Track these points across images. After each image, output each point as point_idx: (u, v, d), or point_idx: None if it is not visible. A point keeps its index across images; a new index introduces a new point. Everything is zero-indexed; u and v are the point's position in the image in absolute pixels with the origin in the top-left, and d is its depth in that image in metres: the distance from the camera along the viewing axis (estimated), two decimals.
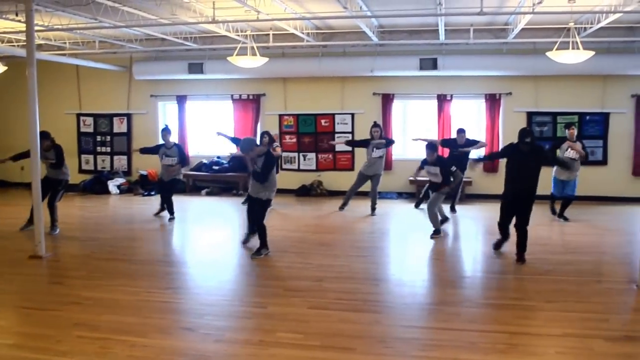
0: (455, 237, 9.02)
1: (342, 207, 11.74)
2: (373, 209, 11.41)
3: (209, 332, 5.21)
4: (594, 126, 13.30)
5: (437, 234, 9.22)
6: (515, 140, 7.71)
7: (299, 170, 14.63)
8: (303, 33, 11.87)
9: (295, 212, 11.98)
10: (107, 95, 15.44)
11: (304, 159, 14.63)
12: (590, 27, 10.74)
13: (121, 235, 9.69)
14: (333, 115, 14.37)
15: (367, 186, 11.66)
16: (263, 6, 9.44)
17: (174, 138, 14.81)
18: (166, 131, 11.09)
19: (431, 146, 9.43)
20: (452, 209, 11.60)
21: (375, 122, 11.73)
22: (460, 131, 11.66)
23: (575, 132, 10.66)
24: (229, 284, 6.97)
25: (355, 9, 9.72)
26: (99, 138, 15.70)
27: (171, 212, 10.90)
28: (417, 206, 11.85)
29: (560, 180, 10.64)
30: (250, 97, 14.66)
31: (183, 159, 10.97)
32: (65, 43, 13.08)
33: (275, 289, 6.54)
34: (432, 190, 9.52)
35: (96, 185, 14.79)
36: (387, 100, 13.98)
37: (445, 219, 9.78)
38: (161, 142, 11.19)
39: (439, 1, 9.16)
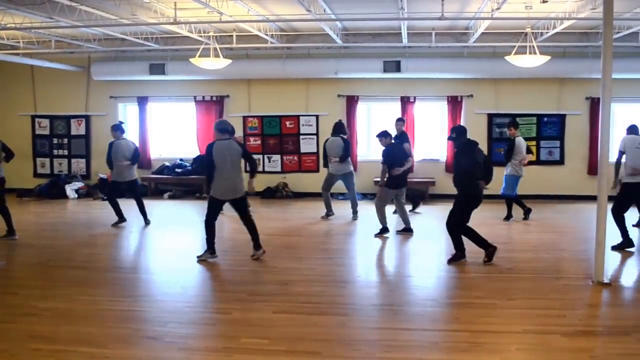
0: (418, 238, 9.07)
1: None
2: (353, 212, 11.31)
3: (173, 341, 5.12)
4: (551, 127, 13.68)
5: (383, 232, 9.47)
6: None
7: (264, 172, 14.56)
8: (267, 35, 11.85)
9: (260, 215, 11.88)
10: (64, 96, 15.12)
11: (269, 161, 14.60)
12: (547, 32, 11.06)
13: (80, 241, 9.48)
14: (298, 116, 14.40)
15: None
16: (226, 8, 9.39)
17: (134, 140, 14.75)
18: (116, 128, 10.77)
19: (385, 133, 9.74)
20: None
21: (340, 120, 11.62)
22: (399, 120, 11.95)
23: (515, 132, 10.85)
24: (192, 290, 6.87)
25: (319, 12, 9.75)
26: (55, 140, 15.36)
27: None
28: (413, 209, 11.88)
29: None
30: (214, 98, 14.58)
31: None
32: (19, 42, 12.67)
33: (240, 294, 6.46)
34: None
35: (53, 190, 14.39)
36: (351, 102, 14.08)
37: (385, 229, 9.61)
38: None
39: (401, 5, 9.27)
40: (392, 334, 5.27)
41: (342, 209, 11.64)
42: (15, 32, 11.80)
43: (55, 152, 15.42)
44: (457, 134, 7.72)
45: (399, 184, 9.61)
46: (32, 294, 6.46)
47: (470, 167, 7.55)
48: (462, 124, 13.61)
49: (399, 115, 13.50)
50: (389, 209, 9.93)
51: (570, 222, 10.83)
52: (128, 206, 10.75)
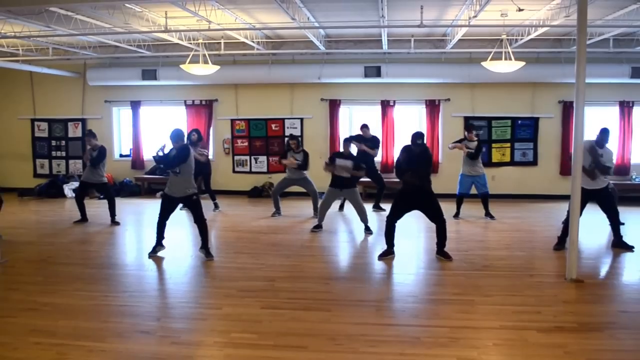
0: (397, 236, 9.07)
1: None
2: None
3: (166, 335, 5.10)
4: (525, 130, 13.72)
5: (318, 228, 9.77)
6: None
7: (250, 172, 14.58)
8: (253, 42, 11.81)
9: (247, 213, 11.89)
10: (62, 100, 15.03)
11: (256, 162, 14.57)
12: (521, 39, 11.09)
13: (77, 239, 9.40)
14: (283, 119, 14.36)
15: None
16: (214, 16, 9.36)
17: (129, 143, 14.73)
18: (90, 135, 10.69)
19: (348, 140, 10.02)
20: (377, 207, 11.79)
21: (292, 135, 11.68)
22: (364, 126, 11.85)
23: (473, 135, 10.86)
24: (183, 286, 6.84)
25: (303, 20, 9.74)
26: (54, 143, 15.29)
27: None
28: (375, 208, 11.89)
29: (466, 176, 10.82)
30: (203, 102, 14.52)
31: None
32: (18, 50, 12.63)
33: (229, 290, 6.44)
34: (340, 187, 9.62)
35: (51, 189, 14.36)
36: (334, 105, 14.06)
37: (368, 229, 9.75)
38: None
39: (382, 13, 9.27)
40: (374, 329, 5.26)
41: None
42: (15, 40, 11.70)
43: (53, 153, 15.35)
44: (423, 140, 7.91)
45: None
46: (32, 289, 6.45)
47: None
48: (439, 126, 13.73)
49: (379, 119, 13.82)
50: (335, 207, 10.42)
51: (543, 221, 10.83)
52: (124, 205, 10.67)
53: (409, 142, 7.89)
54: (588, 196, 7.83)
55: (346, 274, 7.51)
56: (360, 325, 5.36)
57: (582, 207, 7.53)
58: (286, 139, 12.00)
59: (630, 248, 8.16)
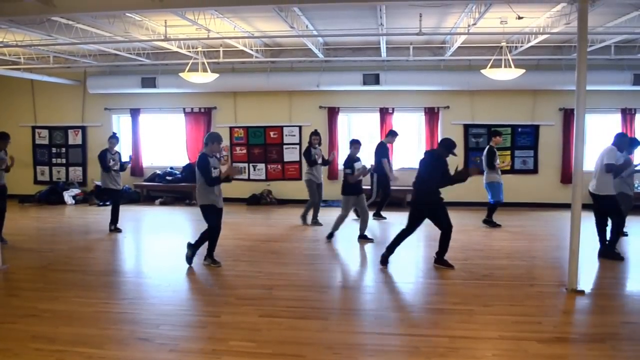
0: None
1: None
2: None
3: (164, 342, 5.11)
4: (525, 137, 13.72)
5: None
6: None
7: (249, 180, 14.58)
8: (252, 50, 11.87)
9: (245, 221, 11.90)
10: (62, 108, 15.11)
11: (254, 169, 14.60)
12: (521, 46, 11.10)
13: (77, 246, 9.43)
14: (281, 127, 14.41)
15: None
16: (213, 25, 9.41)
17: (128, 150, 14.75)
18: (114, 138, 10.68)
19: (357, 141, 9.79)
20: (378, 215, 11.81)
21: (315, 130, 11.59)
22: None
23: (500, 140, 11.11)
24: (183, 294, 6.87)
25: (302, 28, 9.77)
26: (54, 150, 15.36)
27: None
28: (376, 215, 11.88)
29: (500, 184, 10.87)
30: (202, 110, 14.57)
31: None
32: (20, 58, 12.70)
33: (228, 298, 6.47)
34: (356, 194, 9.53)
35: (52, 196, 14.45)
36: (332, 113, 14.10)
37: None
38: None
39: (380, 21, 9.31)
40: (373, 338, 5.27)
41: (326, 216, 11.61)
42: (17, 49, 11.81)
43: (54, 160, 15.43)
44: None
45: None
46: (32, 296, 6.49)
47: None
48: (439, 134, 13.73)
49: (378, 126, 13.86)
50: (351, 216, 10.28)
51: (544, 230, 10.78)
52: (123, 212, 10.68)
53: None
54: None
55: (344, 283, 7.51)
56: (359, 335, 5.38)
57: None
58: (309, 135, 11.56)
59: (621, 258, 8.21)
